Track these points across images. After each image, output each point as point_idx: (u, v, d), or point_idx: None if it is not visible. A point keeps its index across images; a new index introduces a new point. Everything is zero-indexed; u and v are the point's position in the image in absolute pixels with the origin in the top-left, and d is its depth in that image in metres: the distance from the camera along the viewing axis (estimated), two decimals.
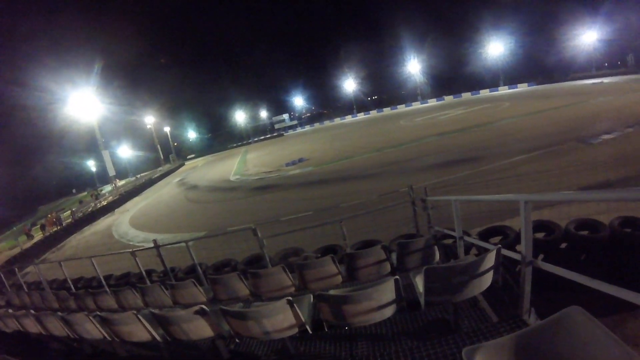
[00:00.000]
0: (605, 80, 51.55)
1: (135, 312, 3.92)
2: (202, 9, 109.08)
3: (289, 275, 4.91)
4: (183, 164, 69.68)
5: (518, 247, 3.12)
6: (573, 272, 2.34)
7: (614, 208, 6.35)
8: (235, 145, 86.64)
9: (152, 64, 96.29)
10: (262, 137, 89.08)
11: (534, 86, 62.28)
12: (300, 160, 29.38)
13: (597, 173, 11.17)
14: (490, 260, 3.14)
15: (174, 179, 44.85)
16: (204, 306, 3.52)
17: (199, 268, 7.33)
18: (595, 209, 6.52)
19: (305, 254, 7.54)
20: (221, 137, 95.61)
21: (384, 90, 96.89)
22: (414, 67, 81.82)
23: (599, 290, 2.05)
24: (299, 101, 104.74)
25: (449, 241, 5.77)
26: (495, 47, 70.63)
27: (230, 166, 40.13)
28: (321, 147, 37.41)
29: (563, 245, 5.53)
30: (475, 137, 23.05)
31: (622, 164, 11.69)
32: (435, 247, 4.76)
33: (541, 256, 5.44)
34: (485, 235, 6.14)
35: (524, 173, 13.26)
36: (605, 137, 16.33)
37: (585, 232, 5.43)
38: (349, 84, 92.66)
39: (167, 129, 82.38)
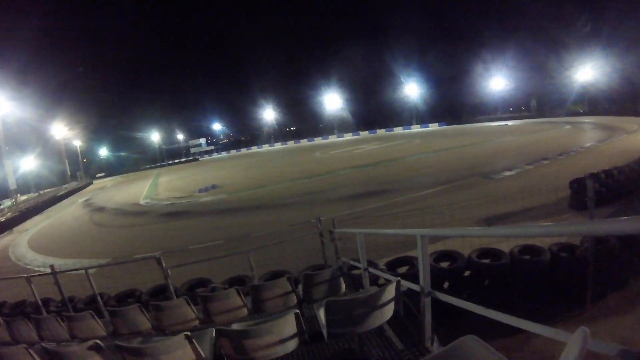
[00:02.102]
0: (510, 122, 57.37)
1: (26, 346, 3.75)
2: (124, 24, 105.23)
3: (193, 307, 4.83)
4: (91, 183, 65.16)
5: None
6: (467, 302, 2.53)
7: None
8: (148, 167, 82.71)
9: (69, 72, 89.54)
10: (177, 161, 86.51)
11: (444, 126, 67.52)
12: (214, 186, 29.09)
13: (499, 205, 12.46)
14: (391, 291, 3.28)
15: (80, 198, 41.82)
16: (98, 341, 3.31)
17: (99, 298, 6.98)
18: (498, 238, 7.33)
19: (212, 284, 7.41)
20: (134, 158, 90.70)
21: (303, 121, 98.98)
22: (332, 101, 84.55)
23: None
24: (217, 126, 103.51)
25: (358, 271, 5.92)
26: (411, 89, 75.55)
27: (141, 189, 38.41)
28: (236, 175, 37.33)
29: (467, 273, 6.01)
30: (387, 171, 24.81)
31: (521, 197, 13.24)
32: (341, 279, 4.92)
33: (446, 284, 5.89)
34: (393, 265, 6.44)
35: (431, 205, 14.36)
36: (507, 173, 18.65)
37: (487, 260, 5.96)
38: (269, 114, 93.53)
39: (77, 144, 75.11)
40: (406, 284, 3.49)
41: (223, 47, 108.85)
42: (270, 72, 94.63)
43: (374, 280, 5.51)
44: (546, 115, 58.66)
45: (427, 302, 3.12)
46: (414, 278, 3.41)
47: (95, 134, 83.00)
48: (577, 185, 11.53)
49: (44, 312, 6.95)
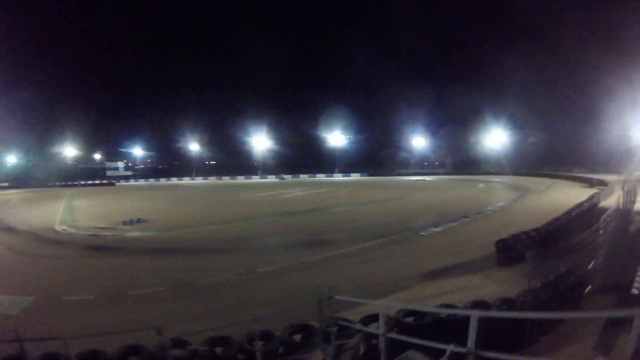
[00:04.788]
0: (427, 177, 61.23)
1: None
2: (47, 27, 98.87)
3: None
4: None
5: None
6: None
7: None
8: (58, 184, 76.23)
9: None
10: (91, 182, 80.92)
11: (366, 176, 70.51)
12: (139, 220, 27.68)
13: (436, 260, 14.01)
14: None
15: None
16: None
17: None
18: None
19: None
20: (44, 171, 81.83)
21: (227, 157, 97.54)
22: (259, 142, 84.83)
23: None
24: (137, 151, 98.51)
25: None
26: (336, 139, 78.34)
27: (53, 211, 35.21)
28: (162, 209, 35.86)
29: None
30: (323, 220, 25.57)
31: (451, 253, 14.92)
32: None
33: None
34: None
35: (372, 259, 15.34)
36: (434, 229, 20.11)
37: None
38: (193, 145, 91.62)
39: None
40: None
41: (149, 67, 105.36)
42: (197, 103, 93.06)
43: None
44: (459, 172, 63.48)
45: None
46: None
47: (8, 138, 75.18)
48: (502, 245, 13.07)
49: None
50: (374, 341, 5.37)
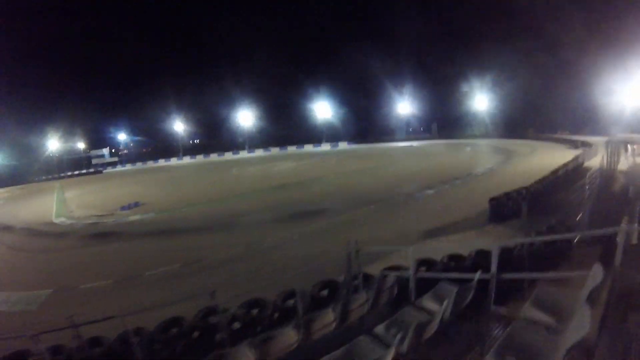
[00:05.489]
0: (415, 143, 61.94)
1: None
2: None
3: None
4: None
5: None
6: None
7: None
8: (44, 178, 74.47)
9: None
10: (77, 173, 79.24)
11: (354, 145, 70.83)
12: (136, 204, 28.11)
13: (433, 220, 14.93)
14: None
15: None
16: None
17: None
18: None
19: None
20: (29, 166, 79.85)
21: (211, 135, 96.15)
22: (244, 118, 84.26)
23: None
24: (121, 136, 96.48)
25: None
26: (323, 110, 78.20)
27: (46, 204, 35.11)
28: (155, 192, 36.06)
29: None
30: (318, 190, 26.22)
31: (447, 213, 15.78)
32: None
33: None
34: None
35: (375, 220, 16.53)
36: (429, 192, 21.18)
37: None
38: (178, 126, 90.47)
39: None
40: None
41: (127, 50, 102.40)
42: (180, 81, 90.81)
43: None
44: (445, 137, 64.20)
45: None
46: None
47: None
48: (495, 202, 13.86)
49: None
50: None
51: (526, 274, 5.30)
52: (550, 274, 5.16)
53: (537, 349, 3.15)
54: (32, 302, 11.63)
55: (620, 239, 3.90)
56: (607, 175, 14.44)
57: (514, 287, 5.37)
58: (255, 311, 6.34)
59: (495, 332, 4.36)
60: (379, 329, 4.19)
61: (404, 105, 73.19)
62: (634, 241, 4.99)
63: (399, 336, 3.40)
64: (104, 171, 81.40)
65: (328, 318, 4.81)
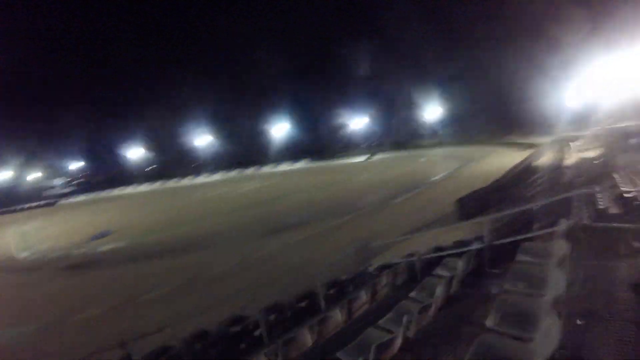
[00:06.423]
0: (370, 158, 63.68)
1: None
2: None
3: None
4: None
5: None
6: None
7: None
8: None
9: None
10: (27, 206, 75.14)
11: (311, 163, 71.95)
12: (105, 233, 27.67)
13: (410, 221, 16.00)
14: None
15: None
16: None
17: None
18: None
19: None
20: None
21: (167, 160, 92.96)
22: (200, 141, 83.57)
23: None
24: (72, 166, 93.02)
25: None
26: (277, 129, 79.05)
27: (4, 240, 33.76)
28: (122, 220, 35.25)
29: None
30: (289, 206, 26.98)
31: (420, 215, 16.95)
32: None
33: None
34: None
35: (359, 226, 17.57)
36: (397, 200, 22.56)
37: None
38: (133, 153, 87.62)
39: None
40: None
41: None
42: (130, 105, 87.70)
43: None
44: (399, 149, 66.28)
45: None
46: None
47: None
48: (461, 203, 15.40)
49: None
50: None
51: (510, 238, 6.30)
52: (528, 235, 6.12)
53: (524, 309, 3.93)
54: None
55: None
56: (556, 170, 16.12)
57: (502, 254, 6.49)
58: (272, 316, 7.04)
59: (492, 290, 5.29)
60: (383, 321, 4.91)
61: (357, 122, 75.20)
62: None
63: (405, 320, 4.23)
64: (57, 203, 77.98)
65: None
